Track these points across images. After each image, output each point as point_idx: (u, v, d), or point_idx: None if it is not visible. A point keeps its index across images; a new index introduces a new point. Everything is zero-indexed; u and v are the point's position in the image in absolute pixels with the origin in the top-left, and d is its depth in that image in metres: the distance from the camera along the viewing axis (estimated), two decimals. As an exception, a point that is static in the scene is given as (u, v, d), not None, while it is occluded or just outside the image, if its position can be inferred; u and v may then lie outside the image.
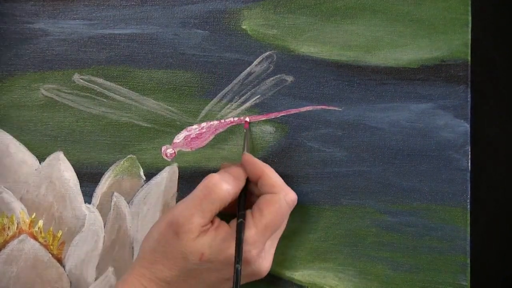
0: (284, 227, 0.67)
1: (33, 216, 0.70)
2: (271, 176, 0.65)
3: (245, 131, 0.70)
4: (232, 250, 0.62)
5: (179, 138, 0.70)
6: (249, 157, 0.66)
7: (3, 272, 0.69)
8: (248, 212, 0.64)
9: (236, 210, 0.65)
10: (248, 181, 0.66)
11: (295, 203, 0.65)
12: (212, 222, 0.64)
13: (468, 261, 0.69)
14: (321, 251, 0.70)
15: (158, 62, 0.71)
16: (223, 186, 0.64)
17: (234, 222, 0.64)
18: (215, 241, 0.63)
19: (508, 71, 0.72)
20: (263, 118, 0.70)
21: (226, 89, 0.70)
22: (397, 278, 0.69)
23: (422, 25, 0.70)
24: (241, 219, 0.63)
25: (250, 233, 0.63)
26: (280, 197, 0.64)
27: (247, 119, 0.70)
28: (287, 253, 0.70)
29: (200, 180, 0.69)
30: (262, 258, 0.64)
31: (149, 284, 0.63)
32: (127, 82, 0.71)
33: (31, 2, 0.71)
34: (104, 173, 0.71)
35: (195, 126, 0.70)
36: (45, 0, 0.71)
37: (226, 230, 0.63)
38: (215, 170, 0.70)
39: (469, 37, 0.69)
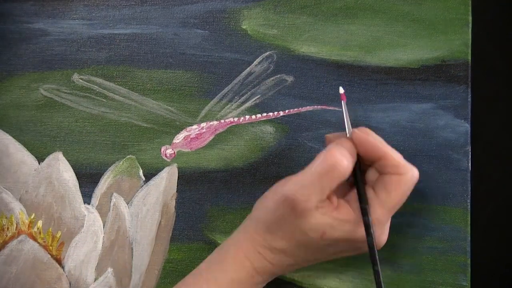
0: None
1: (32, 217, 0.70)
2: (394, 156, 0.62)
3: (342, 104, 0.65)
4: (359, 232, 0.61)
5: (179, 138, 0.70)
6: (362, 136, 0.63)
7: (2, 272, 0.69)
8: (370, 191, 0.62)
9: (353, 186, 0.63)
10: (359, 167, 0.64)
11: (417, 179, 0.63)
12: (330, 199, 0.62)
13: (468, 261, 0.69)
14: (321, 252, 0.70)
15: (158, 62, 0.71)
16: (344, 163, 0.61)
17: (354, 202, 0.62)
18: (337, 222, 0.61)
19: (508, 71, 0.72)
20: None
21: (226, 89, 0.70)
22: (397, 278, 0.69)
23: (422, 25, 0.70)
24: (365, 206, 0.61)
25: (377, 214, 0.61)
26: (409, 179, 0.62)
27: (342, 90, 0.65)
28: (288, 253, 0.70)
29: (200, 182, 0.69)
30: (382, 234, 0.63)
31: (264, 250, 0.62)
32: (126, 82, 0.71)
33: (30, 2, 0.71)
34: (103, 173, 0.71)
35: (195, 126, 0.70)
36: (44, 0, 0.71)
37: (348, 211, 0.62)
38: (215, 170, 0.70)
39: (469, 37, 0.70)
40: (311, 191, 0.60)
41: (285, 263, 0.63)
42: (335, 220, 0.61)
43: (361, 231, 0.61)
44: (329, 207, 0.61)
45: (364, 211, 0.61)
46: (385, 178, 0.62)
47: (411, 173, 0.62)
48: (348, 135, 0.64)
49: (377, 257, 0.61)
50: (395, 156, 0.62)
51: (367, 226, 0.61)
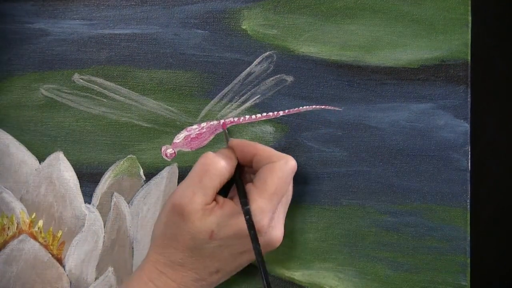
0: (291, 195, 0.67)
1: (33, 216, 0.70)
2: (265, 149, 0.65)
3: (224, 132, 0.70)
4: (240, 224, 0.62)
5: (179, 138, 0.70)
6: (236, 141, 0.67)
7: (3, 272, 0.69)
8: (249, 185, 0.64)
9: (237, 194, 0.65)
10: (239, 168, 0.66)
11: (296, 168, 0.65)
12: (216, 200, 0.64)
13: (468, 261, 0.69)
14: (321, 251, 0.70)
15: (158, 62, 0.71)
16: (220, 161, 0.64)
17: (237, 198, 0.64)
18: (223, 218, 0.63)
19: (508, 71, 0.72)
20: (261, 119, 0.70)
21: (226, 89, 0.70)
22: (397, 278, 0.69)
23: (422, 25, 0.70)
24: (247, 207, 0.63)
25: (258, 204, 0.63)
26: (281, 163, 0.64)
27: (223, 121, 0.70)
28: (287, 253, 0.70)
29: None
30: (273, 227, 0.64)
31: (164, 268, 0.64)
32: (127, 82, 0.71)
33: (31, 2, 0.71)
34: (104, 173, 0.71)
35: (195, 126, 0.70)
36: (45, 0, 0.71)
37: (232, 206, 0.64)
38: (215, 170, 0.70)
39: (469, 37, 0.69)
40: (194, 193, 0.63)
41: (189, 278, 0.64)
42: (220, 217, 0.63)
43: (243, 222, 0.63)
44: (214, 207, 0.63)
45: (243, 202, 0.63)
46: (261, 170, 0.64)
47: (285, 160, 0.64)
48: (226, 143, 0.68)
49: (258, 239, 0.62)
50: (267, 149, 0.65)
51: (246, 213, 0.63)
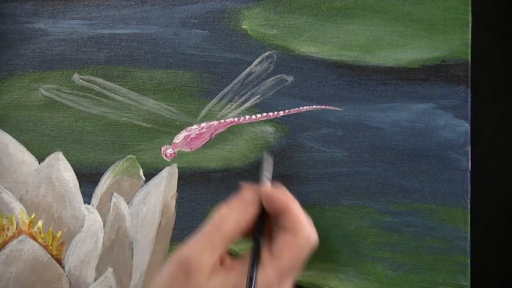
0: (301, 267, 0.63)
1: (32, 217, 0.70)
2: (297, 213, 0.61)
3: (265, 157, 0.67)
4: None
5: (179, 138, 0.70)
6: (269, 191, 0.63)
7: (2, 272, 0.69)
8: (265, 247, 0.61)
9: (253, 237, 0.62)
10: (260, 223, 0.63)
11: (316, 245, 0.62)
12: (223, 261, 0.61)
13: (468, 261, 0.69)
14: (321, 252, 0.70)
15: (158, 62, 0.71)
16: (232, 217, 0.61)
17: (247, 261, 0.61)
18: (228, 281, 0.60)
19: (508, 71, 0.72)
20: (263, 118, 0.70)
21: (226, 89, 0.70)
22: (397, 279, 0.69)
23: (422, 25, 0.70)
24: (258, 239, 0.61)
25: (266, 273, 0.60)
26: (303, 241, 0.61)
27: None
28: (288, 253, 0.70)
29: (200, 182, 0.69)
30: None
31: None
32: (126, 82, 0.71)
33: (30, 2, 0.71)
34: (103, 173, 0.71)
35: (195, 126, 0.70)
36: (44, 0, 0.71)
37: (240, 270, 0.61)
38: (215, 170, 0.70)
39: (469, 37, 0.70)
40: (203, 250, 0.60)
41: None
42: (226, 279, 0.59)
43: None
44: (220, 267, 0.60)
45: (252, 269, 0.60)
46: (281, 237, 0.61)
47: (307, 235, 0.61)
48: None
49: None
50: (298, 213, 0.61)
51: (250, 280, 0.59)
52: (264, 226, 0.63)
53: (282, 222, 0.61)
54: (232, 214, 0.61)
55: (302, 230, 0.61)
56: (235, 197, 0.63)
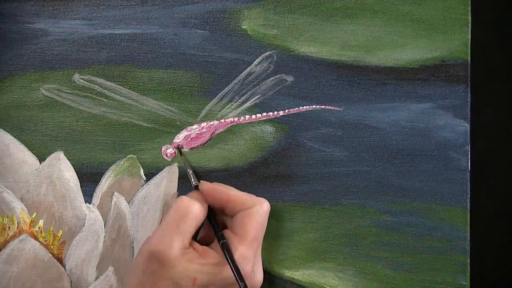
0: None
1: (33, 216, 0.70)
2: (238, 195, 0.66)
3: (183, 158, 0.70)
4: (225, 271, 0.63)
5: (179, 138, 0.70)
6: (208, 185, 0.67)
7: (3, 271, 0.69)
8: (227, 232, 0.65)
9: (213, 233, 0.66)
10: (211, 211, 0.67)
11: (269, 209, 0.66)
12: (194, 248, 0.64)
13: (468, 261, 0.69)
14: (321, 251, 0.70)
15: (158, 62, 0.71)
16: (195, 204, 0.65)
17: (216, 246, 0.65)
18: (205, 267, 0.63)
19: (508, 71, 0.72)
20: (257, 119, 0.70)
21: (226, 89, 0.70)
22: (397, 278, 0.69)
23: (422, 25, 0.70)
24: (223, 240, 0.64)
25: (240, 251, 0.64)
26: (258, 209, 0.65)
27: (172, 150, 0.70)
28: (287, 253, 0.70)
29: (202, 179, 0.69)
30: (255, 272, 0.65)
31: None
32: (127, 82, 0.71)
33: (31, 2, 0.71)
34: (104, 173, 0.71)
35: (195, 126, 0.70)
36: (45, 0, 0.71)
37: (214, 255, 0.64)
38: (215, 170, 0.70)
39: (469, 37, 0.69)
40: (172, 239, 0.63)
41: None
42: (203, 266, 0.63)
43: (228, 269, 0.63)
44: (194, 254, 0.63)
45: (223, 248, 0.63)
46: (237, 216, 0.65)
47: (259, 204, 0.65)
48: (193, 185, 0.68)
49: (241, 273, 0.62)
50: (239, 195, 0.66)
51: (227, 250, 0.63)
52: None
53: (232, 210, 0.66)
54: (194, 202, 0.65)
55: (254, 204, 0.65)
56: (185, 195, 0.66)
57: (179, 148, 0.70)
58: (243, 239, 0.64)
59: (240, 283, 0.61)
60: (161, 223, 0.65)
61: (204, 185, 0.67)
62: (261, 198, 0.66)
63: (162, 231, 0.64)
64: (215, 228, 0.66)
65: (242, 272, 0.62)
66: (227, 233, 0.65)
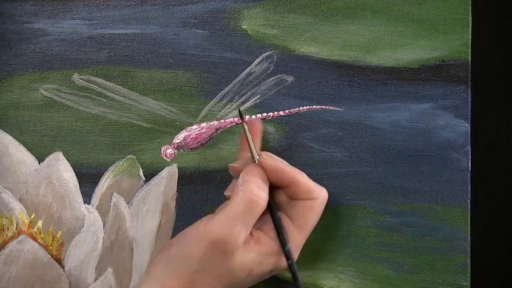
0: None
1: (32, 217, 0.70)
2: (304, 181, 0.63)
3: (244, 127, 0.66)
4: (278, 263, 0.62)
5: (179, 138, 0.70)
6: (272, 163, 0.64)
7: (2, 272, 0.69)
8: (283, 216, 0.63)
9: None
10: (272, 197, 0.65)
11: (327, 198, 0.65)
12: (251, 234, 0.63)
13: (468, 261, 0.69)
14: (321, 252, 0.70)
15: (158, 62, 0.71)
16: (262, 196, 0.62)
17: (270, 230, 0.63)
18: (261, 256, 0.62)
19: (508, 71, 0.72)
20: (263, 117, 0.70)
21: (226, 89, 0.70)
22: (398, 279, 0.69)
23: (422, 25, 0.70)
24: (290, 261, 0.62)
25: (298, 241, 0.63)
26: (321, 201, 0.64)
27: (237, 119, 0.69)
28: (288, 253, 0.70)
29: (200, 182, 0.69)
30: (296, 255, 0.64)
31: None
32: (126, 82, 0.71)
33: (30, 2, 0.71)
34: (103, 173, 0.71)
35: (195, 126, 0.70)
36: (44, 0, 0.71)
37: (268, 243, 0.62)
38: (215, 170, 0.70)
39: (469, 37, 0.70)
40: (239, 231, 0.60)
41: None
42: (260, 255, 0.62)
43: (284, 261, 0.63)
44: (251, 242, 0.62)
45: (284, 242, 0.62)
46: (300, 204, 0.63)
47: (323, 195, 0.64)
48: (255, 160, 0.64)
49: (300, 282, 0.63)
50: (307, 182, 0.63)
51: (288, 256, 0.63)
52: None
53: (293, 194, 0.63)
54: (262, 193, 0.62)
55: (320, 195, 0.63)
56: (251, 175, 0.63)
57: (241, 116, 0.66)
58: (302, 230, 0.63)
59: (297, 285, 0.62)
60: (226, 210, 0.61)
61: (268, 160, 0.63)
62: (323, 188, 0.64)
63: (228, 221, 0.60)
64: (277, 227, 0.63)
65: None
66: (283, 217, 0.63)
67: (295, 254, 0.63)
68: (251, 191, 0.61)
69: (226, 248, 0.60)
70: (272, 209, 0.63)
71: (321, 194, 0.63)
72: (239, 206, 0.61)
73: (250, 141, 0.65)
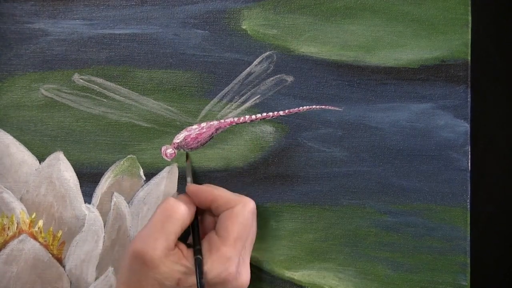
0: (255, 235, 0.67)
1: (33, 216, 0.70)
2: (222, 194, 0.66)
3: (187, 162, 0.70)
4: (210, 274, 0.63)
5: (179, 138, 0.70)
6: (194, 187, 0.67)
7: (3, 272, 0.69)
8: (212, 233, 0.65)
9: (203, 235, 0.66)
10: (198, 213, 0.67)
11: (255, 209, 0.66)
12: (179, 248, 0.64)
13: (468, 261, 0.69)
14: (321, 251, 0.70)
15: (158, 62, 0.71)
16: (181, 206, 0.64)
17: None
18: (189, 269, 0.63)
19: (508, 71, 0.72)
20: (260, 118, 0.70)
21: (226, 89, 0.70)
22: (397, 278, 0.70)
23: (422, 25, 0.70)
24: (198, 256, 0.63)
25: (222, 252, 0.63)
26: (240, 208, 0.65)
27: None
28: (287, 253, 0.70)
29: (200, 182, 0.69)
30: (240, 273, 0.64)
31: None
32: (127, 82, 0.71)
33: (31, 2, 0.71)
34: (104, 173, 0.71)
35: (195, 126, 0.70)
36: (45, 0, 0.71)
37: (191, 256, 0.64)
38: (215, 170, 0.70)
39: (469, 37, 0.69)
40: (156, 240, 0.62)
41: None
42: (186, 268, 0.63)
43: (213, 272, 0.63)
44: (179, 255, 0.63)
45: (197, 251, 0.63)
46: (221, 217, 0.65)
47: (242, 204, 0.65)
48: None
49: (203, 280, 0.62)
50: (224, 194, 0.65)
51: (199, 265, 0.63)
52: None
53: (216, 209, 0.65)
54: (181, 204, 0.64)
55: (238, 203, 0.65)
56: (177, 197, 0.67)
57: (186, 152, 0.70)
58: (225, 239, 0.64)
59: None
60: (147, 224, 0.64)
61: (191, 186, 0.67)
62: (246, 197, 0.66)
63: (146, 231, 0.63)
64: (194, 238, 0.65)
65: (225, 274, 0.63)
66: (211, 234, 0.65)
67: (228, 265, 0.63)
68: (167, 202, 0.64)
69: (144, 257, 0.62)
70: (194, 221, 0.66)
71: (240, 202, 0.65)
72: (157, 216, 0.64)
73: (188, 175, 0.69)
